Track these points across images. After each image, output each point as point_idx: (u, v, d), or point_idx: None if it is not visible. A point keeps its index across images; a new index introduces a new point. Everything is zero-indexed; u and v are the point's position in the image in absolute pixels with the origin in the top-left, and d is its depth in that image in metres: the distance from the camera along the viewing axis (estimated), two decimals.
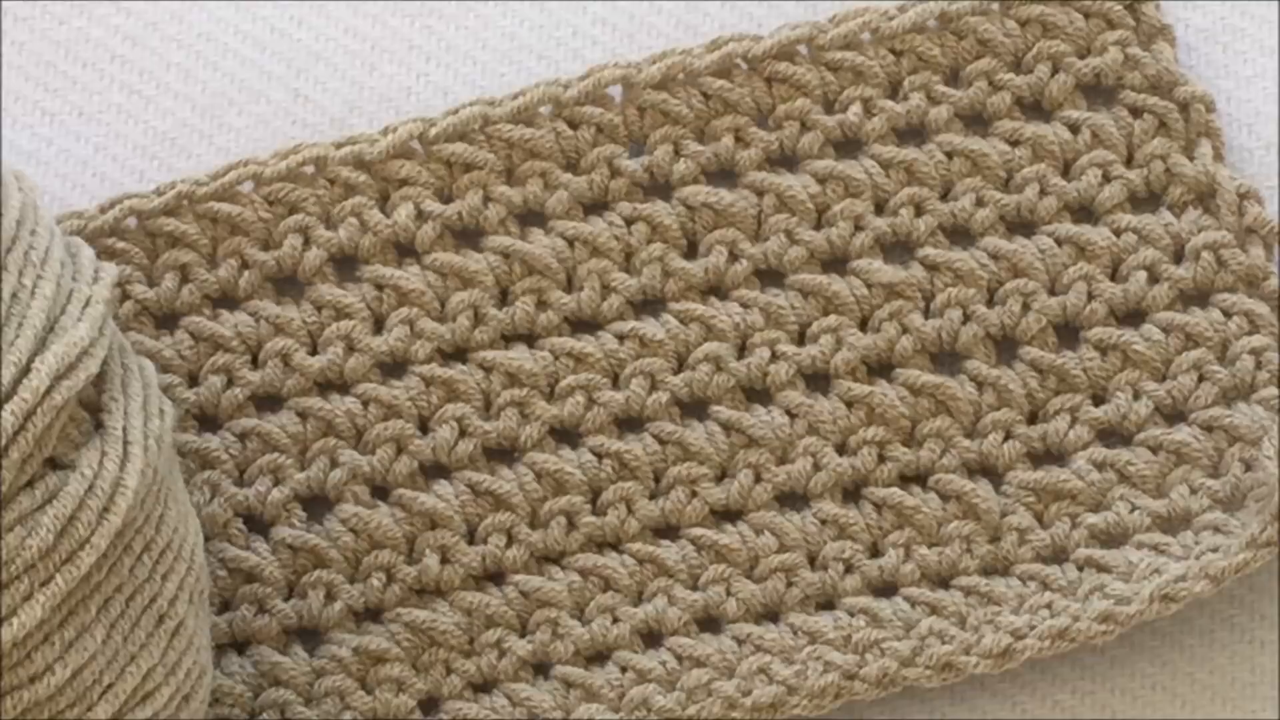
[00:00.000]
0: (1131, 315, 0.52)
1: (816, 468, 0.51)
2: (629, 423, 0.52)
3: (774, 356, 0.51)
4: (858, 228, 0.52)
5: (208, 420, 0.51)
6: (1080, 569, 0.50)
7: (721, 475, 0.51)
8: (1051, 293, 0.52)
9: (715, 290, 0.52)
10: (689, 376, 0.51)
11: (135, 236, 0.52)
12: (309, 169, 0.52)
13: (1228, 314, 0.51)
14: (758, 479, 0.51)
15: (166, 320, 0.52)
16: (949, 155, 0.52)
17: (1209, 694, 0.50)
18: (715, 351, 0.51)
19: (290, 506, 0.51)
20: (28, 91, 0.55)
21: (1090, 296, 0.52)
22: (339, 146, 0.52)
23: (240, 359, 0.51)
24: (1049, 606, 0.49)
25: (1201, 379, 0.51)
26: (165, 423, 0.44)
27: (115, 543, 0.41)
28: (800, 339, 0.52)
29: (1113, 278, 0.52)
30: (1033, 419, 0.51)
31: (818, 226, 0.52)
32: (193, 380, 0.51)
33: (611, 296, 0.52)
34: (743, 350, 0.52)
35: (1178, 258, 0.52)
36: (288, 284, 0.52)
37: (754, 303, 0.52)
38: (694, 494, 0.51)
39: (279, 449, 0.51)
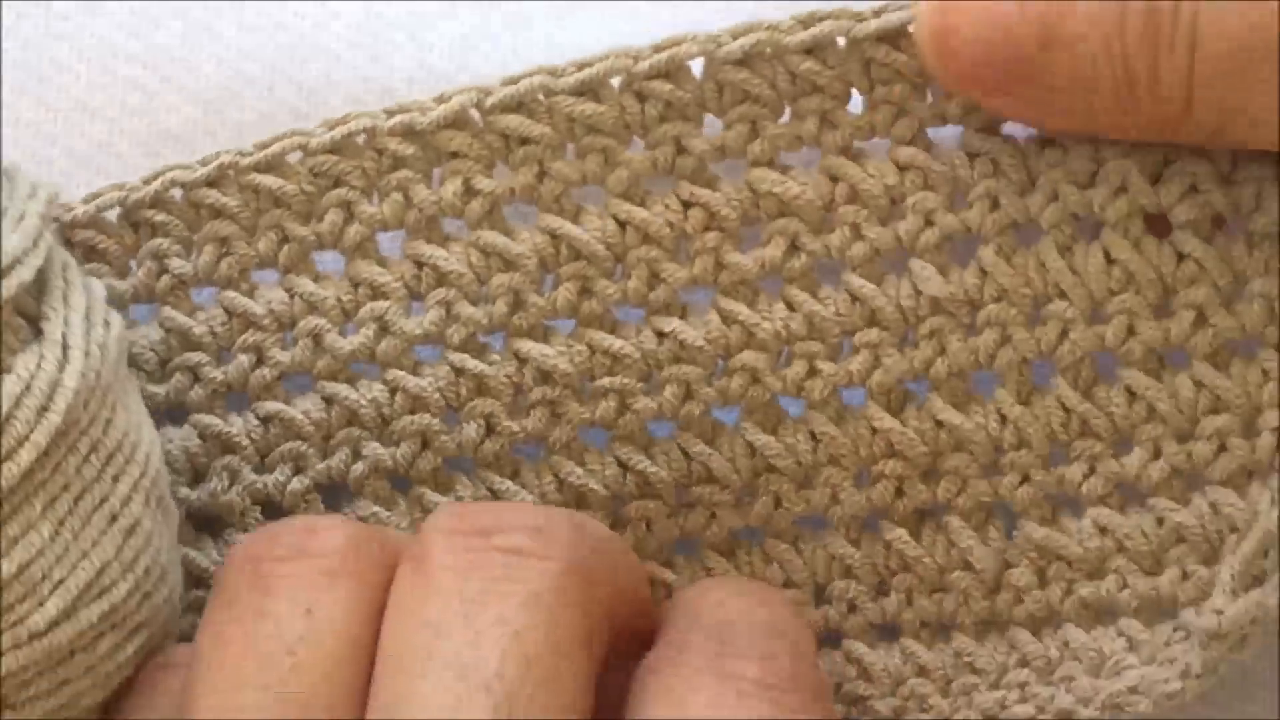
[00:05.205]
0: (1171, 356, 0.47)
1: (835, 500, 0.48)
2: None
3: (811, 372, 0.48)
4: (928, 223, 0.47)
5: (235, 399, 0.49)
6: (1061, 650, 0.48)
7: (740, 499, 0.49)
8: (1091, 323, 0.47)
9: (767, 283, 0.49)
10: (724, 385, 0.48)
11: (178, 209, 0.49)
12: (359, 139, 0.48)
13: (1267, 376, 0.46)
14: (777, 505, 0.49)
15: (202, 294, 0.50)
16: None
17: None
18: (752, 363, 0.48)
19: (310, 497, 0.49)
20: (30, 87, 0.53)
21: (1131, 332, 0.47)
22: (390, 115, 0.48)
23: (272, 337, 0.49)
24: (1022, 688, 0.48)
25: (1222, 449, 0.46)
26: (111, 332, 0.43)
27: (58, 442, 0.41)
28: (839, 350, 0.48)
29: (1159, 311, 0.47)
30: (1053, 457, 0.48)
31: (886, 221, 0.48)
32: (223, 358, 0.49)
33: (660, 287, 0.48)
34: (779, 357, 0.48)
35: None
36: (326, 260, 0.49)
37: (800, 306, 0.48)
38: (713, 516, 0.49)
39: (301, 436, 0.49)
